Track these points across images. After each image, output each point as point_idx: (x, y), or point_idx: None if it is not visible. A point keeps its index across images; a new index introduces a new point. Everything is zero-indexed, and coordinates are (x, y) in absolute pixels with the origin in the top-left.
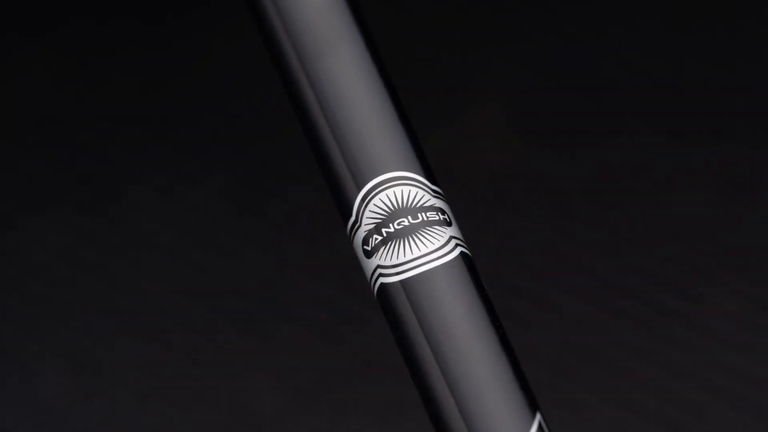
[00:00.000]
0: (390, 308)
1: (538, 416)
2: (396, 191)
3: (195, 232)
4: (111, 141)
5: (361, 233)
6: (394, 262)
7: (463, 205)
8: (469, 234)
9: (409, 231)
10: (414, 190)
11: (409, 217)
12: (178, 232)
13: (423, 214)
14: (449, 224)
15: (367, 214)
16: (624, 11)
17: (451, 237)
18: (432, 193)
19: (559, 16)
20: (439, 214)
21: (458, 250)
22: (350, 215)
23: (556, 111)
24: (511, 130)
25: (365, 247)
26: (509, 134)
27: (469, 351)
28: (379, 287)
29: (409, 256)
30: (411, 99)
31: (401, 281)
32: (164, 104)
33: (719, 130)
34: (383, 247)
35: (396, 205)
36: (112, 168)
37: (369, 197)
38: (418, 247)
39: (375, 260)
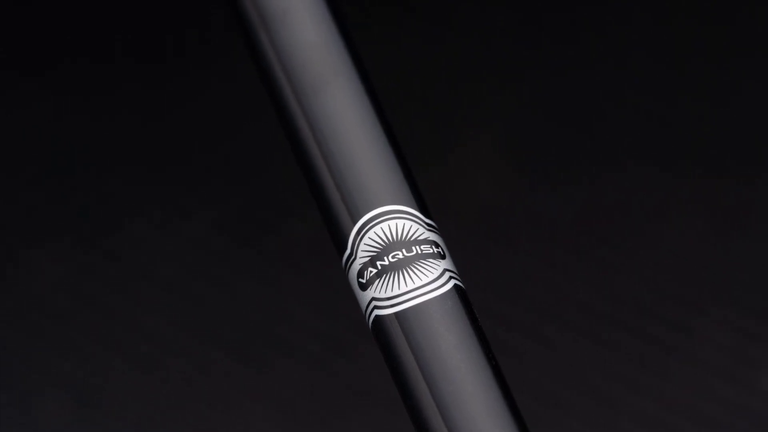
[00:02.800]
0: (384, 340)
1: None
2: (390, 225)
3: (192, 265)
4: (110, 175)
5: (356, 266)
6: (389, 294)
7: (457, 238)
8: (462, 266)
9: (403, 264)
10: (408, 223)
11: (404, 250)
12: (176, 265)
13: (417, 247)
14: (443, 257)
15: (362, 247)
16: (615, 46)
17: (445, 270)
18: (426, 226)
19: (551, 52)
20: (433, 247)
21: (452, 282)
22: (345, 248)
23: (548, 144)
24: (504, 164)
25: (360, 279)
26: (502, 168)
27: (462, 382)
28: (373, 319)
29: (403, 289)
30: (405, 133)
31: (396, 313)
32: (162, 139)
33: (709, 163)
34: (378, 280)
35: (390, 239)
36: (111, 202)
37: (364, 231)
38: (412, 279)
39: (370, 293)
